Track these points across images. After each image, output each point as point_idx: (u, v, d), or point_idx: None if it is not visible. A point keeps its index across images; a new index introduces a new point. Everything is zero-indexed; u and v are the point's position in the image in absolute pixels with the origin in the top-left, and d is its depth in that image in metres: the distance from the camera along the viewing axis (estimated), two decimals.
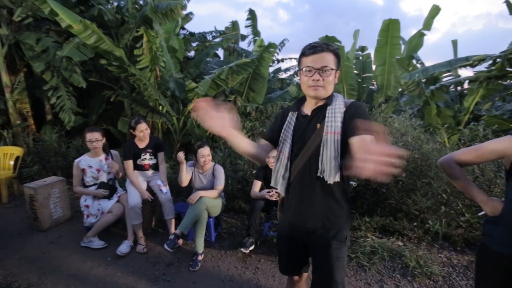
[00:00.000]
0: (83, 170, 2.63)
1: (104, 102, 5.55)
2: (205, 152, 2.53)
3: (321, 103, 1.17)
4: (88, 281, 2.08)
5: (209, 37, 7.62)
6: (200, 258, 2.36)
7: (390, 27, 5.86)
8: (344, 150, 1.08)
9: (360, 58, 7.31)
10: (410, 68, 5.81)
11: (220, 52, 8.52)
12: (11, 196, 3.61)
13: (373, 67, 6.97)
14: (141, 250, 2.49)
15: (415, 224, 2.85)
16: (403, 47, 6.72)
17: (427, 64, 5.68)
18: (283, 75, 10.56)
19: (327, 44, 1.11)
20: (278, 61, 9.71)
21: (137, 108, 4.79)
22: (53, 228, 2.86)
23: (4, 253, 2.42)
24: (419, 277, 2.17)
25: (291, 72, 10.31)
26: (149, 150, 2.78)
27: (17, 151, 3.87)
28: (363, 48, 7.34)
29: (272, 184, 1.26)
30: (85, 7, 5.53)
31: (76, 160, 2.65)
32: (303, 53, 1.12)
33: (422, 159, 2.98)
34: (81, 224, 2.79)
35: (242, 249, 2.41)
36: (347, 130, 1.08)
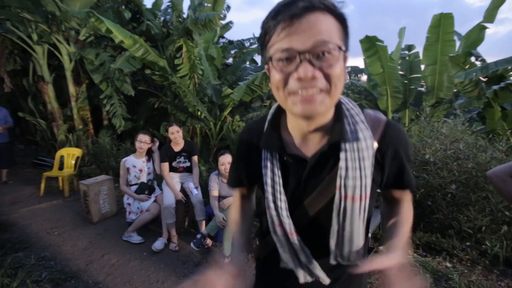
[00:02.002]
0: (127, 169, 2.90)
1: (151, 108, 6.06)
2: (225, 159, 2.56)
3: (321, 127, 0.61)
4: (125, 272, 2.27)
5: (247, 44, 7.82)
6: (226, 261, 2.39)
7: (442, 22, 5.29)
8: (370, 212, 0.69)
9: (407, 57, 6.74)
10: (467, 66, 5.16)
11: (259, 58, 8.69)
12: (71, 191, 4.14)
13: (422, 67, 6.37)
14: (173, 248, 2.63)
15: (468, 243, 2.49)
16: (458, 43, 6.01)
17: (491, 60, 4.98)
18: None
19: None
20: None
21: (178, 113, 5.11)
22: (101, 222, 3.20)
23: (61, 240, 2.78)
24: None
25: None
26: (183, 154, 2.94)
27: (77, 152, 4.43)
28: (410, 47, 6.75)
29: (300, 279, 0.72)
30: (136, 23, 6.15)
31: (123, 160, 2.94)
32: (270, 20, 0.52)
33: (478, 169, 2.60)
34: (124, 219, 3.07)
35: None
36: (388, 180, 0.67)
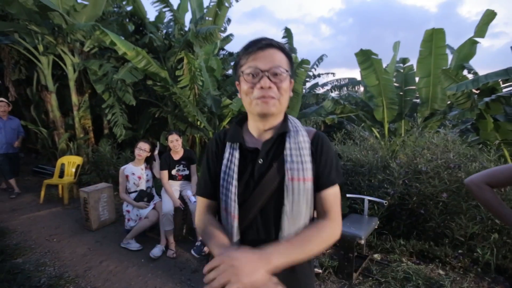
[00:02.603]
0: (127, 177, 2.96)
1: (151, 118, 6.16)
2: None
3: (273, 127, 0.82)
4: (123, 278, 2.30)
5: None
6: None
7: (434, 37, 5.49)
8: (311, 199, 0.80)
9: (402, 70, 6.93)
10: (460, 79, 5.32)
11: None
12: (71, 199, 4.18)
13: (417, 79, 6.55)
14: (171, 255, 2.66)
15: (460, 251, 2.54)
16: (451, 56, 6.21)
17: (485, 73, 5.13)
18: (320, 90, 10.51)
19: (274, 40, 0.79)
20: (315, 76, 9.71)
21: (178, 123, 5.22)
22: (100, 229, 3.23)
23: (60, 246, 2.81)
24: None
25: (328, 87, 10.21)
26: (182, 162, 3.01)
27: (78, 160, 4.49)
28: (404, 60, 6.95)
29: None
30: (139, 35, 6.35)
31: (122, 168, 3.01)
32: (242, 52, 0.78)
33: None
34: (123, 227, 3.11)
35: None
36: (319, 178, 0.79)
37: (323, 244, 0.75)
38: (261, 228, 0.78)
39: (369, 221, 2.52)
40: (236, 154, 0.80)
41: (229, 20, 7.67)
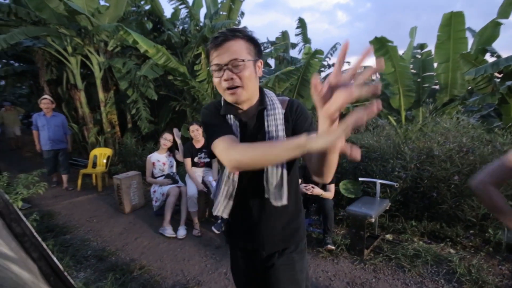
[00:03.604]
0: (153, 164, 3.29)
1: (171, 111, 6.49)
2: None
3: (252, 106, 0.96)
4: (156, 252, 2.61)
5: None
6: None
7: (453, 21, 5.33)
8: (289, 162, 0.96)
9: (419, 56, 6.77)
10: (480, 63, 5.17)
11: (272, 62, 8.98)
12: (103, 186, 4.59)
13: (435, 65, 6.40)
14: (196, 233, 2.94)
15: (471, 232, 2.62)
16: (472, 40, 6.01)
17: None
18: None
19: (234, 30, 0.87)
20: (329, 66, 9.64)
21: (197, 116, 5.49)
22: (131, 212, 3.58)
23: (100, 226, 3.18)
24: (467, 284, 2.03)
25: None
26: (204, 150, 3.26)
27: (108, 151, 4.89)
28: (422, 46, 6.77)
29: (215, 212, 1.02)
30: (157, 33, 6.63)
31: (149, 156, 3.37)
32: (208, 49, 0.89)
33: (481, 161, 2.73)
34: (152, 210, 3.44)
35: None
36: (293, 126, 0.96)
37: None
38: (256, 185, 0.96)
39: (380, 203, 2.66)
40: (237, 122, 0.95)
41: (242, 14, 7.78)
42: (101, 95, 5.98)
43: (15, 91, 10.05)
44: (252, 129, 0.96)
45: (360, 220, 2.39)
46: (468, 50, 5.74)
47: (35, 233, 1.05)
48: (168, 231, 3.02)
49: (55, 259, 1.11)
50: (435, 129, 3.42)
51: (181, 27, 7.05)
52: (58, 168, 4.61)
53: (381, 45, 5.48)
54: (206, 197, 3.31)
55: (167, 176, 3.29)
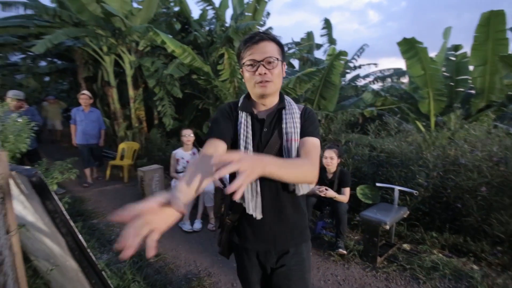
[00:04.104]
0: (177, 160, 3.44)
1: (195, 109, 6.72)
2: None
3: (273, 104, 1.06)
4: (172, 241, 2.76)
5: (285, 49, 8.12)
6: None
7: (492, 21, 4.94)
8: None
9: (453, 58, 6.38)
10: None
11: (296, 62, 8.93)
12: (130, 178, 4.88)
13: (471, 68, 5.98)
14: (211, 227, 3.04)
15: (499, 248, 2.45)
16: None
17: None
18: (361, 82, 10.11)
19: (266, 33, 0.99)
20: (355, 67, 9.37)
21: None
22: None
23: None
24: None
25: (370, 79, 9.77)
26: None
27: (135, 145, 5.20)
28: (457, 47, 6.35)
29: (248, 210, 1.01)
30: (185, 33, 6.89)
31: (174, 152, 3.49)
32: (242, 47, 0.99)
33: None
34: None
35: None
36: (303, 133, 1.04)
37: (303, 174, 0.89)
38: (271, 180, 0.91)
39: (398, 210, 2.57)
40: (249, 120, 1.03)
41: (268, 14, 7.83)
42: (131, 92, 6.35)
43: (57, 87, 10.97)
44: (270, 125, 1.04)
45: (374, 226, 2.33)
46: (510, 52, 5.30)
47: (64, 211, 1.18)
48: (186, 226, 3.16)
49: (80, 236, 1.23)
50: (463, 136, 3.23)
51: (207, 28, 7.27)
52: (91, 162, 4.67)
53: (410, 47, 5.25)
54: (222, 193, 3.39)
55: None
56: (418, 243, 2.70)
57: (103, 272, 1.30)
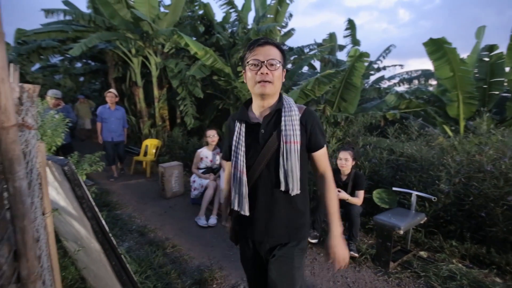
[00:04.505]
0: (201, 158, 3.59)
1: (215, 109, 6.91)
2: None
3: (271, 106, 1.11)
4: (189, 234, 2.89)
5: (306, 50, 8.08)
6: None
7: None
8: (302, 157, 1.08)
9: (487, 59, 5.98)
10: None
11: (318, 64, 8.85)
12: (152, 173, 5.14)
13: (507, 69, 5.60)
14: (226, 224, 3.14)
15: None
16: None
17: None
18: (386, 84, 9.77)
19: (270, 39, 1.08)
20: (379, 69, 9.09)
21: None
22: (172, 198, 3.98)
23: (144, 207, 3.62)
24: None
25: (396, 80, 9.42)
26: None
27: (157, 142, 5.46)
28: (492, 48, 5.94)
29: (232, 206, 1.15)
30: (208, 35, 7.11)
31: (198, 150, 3.65)
32: (247, 49, 1.08)
33: None
34: (189, 199, 3.77)
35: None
36: (310, 143, 1.10)
37: (337, 197, 1.15)
38: (267, 178, 1.09)
39: (414, 216, 2.50)
40: (243, 128, 1.12)
41: (290, 16, 7.86)
42: (155, 92, 6.67)
43: (90, 86, 11.77)
44: (267, 126, 1.09)
45: (387, 231, 2.29)
46: None
47: (90, 198, 1.32)
48: (202, 221, 3.27)
49: (103, 221, 1.37)
50: (495, 141, 3.04)
51: (230, 30, 7.44)
52: (116, 160, 4.86)
53: (437, 47, 5.03)
54: None
55: (208, 169, 3.56)
56: (436, 251, 2.60)
57: (122, 256, 1.43)
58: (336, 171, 2.69)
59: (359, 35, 8.60)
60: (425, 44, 5.06)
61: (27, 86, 1.10)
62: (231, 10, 6.70)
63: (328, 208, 1.10)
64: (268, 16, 6.68)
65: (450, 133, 5.64)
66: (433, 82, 8.86)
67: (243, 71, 1.11)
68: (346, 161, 2.61)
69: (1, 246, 0.83)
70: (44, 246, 1.30)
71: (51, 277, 1.34)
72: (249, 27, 6.84)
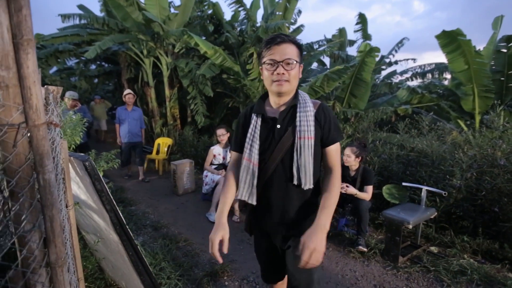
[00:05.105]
0: (214, 156, 3.68)
1: (225, 107, 6.99)
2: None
3: (287, 102, 1.12)
4: (200, 229, 2.98)
5: (316, 46, 8.03)
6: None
7: None
8: (315, 153, 1.09)
9: (505, 50, 5.76)
10: None
11: (327, 60, 8.77)
12: (164, 171, 5.29)
13: None
14: (235, 219, 3.22)
15: None
16: None
17: None
18: (398, 79, 9.57)
19: (287, 36, 1.06)
20: (391, 63, 8.91)
21: None
22: (184, 195, 4.09)
23: (157, 203, 3.74)
24: None
25: (408, 75, 9.21)
26: None
27: (169, 141, 5.60)
28: (509, 38, 5.71)
29: (239, 196, 1.17)
30: (217, 34, 7.19)
31: (212, 147, 3.75)
32: (264, 46, 1.07)
33: None
34: (200, 195, 3.87)
35: None
36: (323, 138, 1.10)
37: (337, 194, 1.08)
38: (282, 172, 1.12)
39: (424, 211, 2.48)
40: (259, 121, 1.14)
41: (299, 12, 7.82)
42: (167, 91, 6.83)
43: (104, 88, 12.15)
44: (283, 122, 1.11)
45: (396, 225, 2.29)
46: None
47: (109, 192, 1.42)
48: (213, 217, 3.36)
49: (120, 213, 1.47)
50: (504, 136, 2.97)
51: (239, 28, 7.49)
52: (132, 160, 4.79)
53: (450, 40, 4.89)
54: None
55: (220, 166, 3.65)
56: (447, 247, 2.58)
57: (138, 247, 1.52)
58: (345, 167, 2.70)
59: (370, 29, 8.44)
60: (437, 36, 4.94)
61: (51, 88, 1.20)
62: (240, 9, 6.75)
63: (322, 201, 1.05)
64: (277, 13, 6.68)
65: (465, 128, 5.49)
66: (448, 75, 8.62)
67: (260, 67, 1.12)
68: (348, 157, 2.63)
69: (33, 233, 0.92)
70: (68, 236, 1.41)
71: (74, 265, 1.44)
72: (258, 25, 6.86)
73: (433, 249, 2.58)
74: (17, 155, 0.86)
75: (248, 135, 1.14)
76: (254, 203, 1.15)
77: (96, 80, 10.48)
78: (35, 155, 0.90)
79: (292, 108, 1.11)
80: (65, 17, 5.91)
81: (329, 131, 1.11)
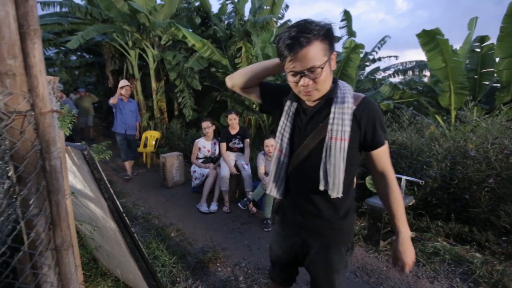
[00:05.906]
0: (199, 148, 3.70)
1: (213, 101, 6.98)
2: (269, 142, 3.07)
3: (323, 94, 0.96)
4: (190, 220, 3.05)
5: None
6: (270, 222, 2.94)
7: None
8: (350, 158, 0.94)
9: (478, 50, 6.12)
10: None
11: None
12: (151, 164, 5.26)
13: (497, 60, 5.75)
14: (225, 210, 3.30)
15: (504, 238, 2.50)
16: None
17: None
18: (381, 75, 9.90)
19: (308, 32, 0.83)
20: (375, 60, 9.19)
21: (236, 106, 5.85)
22: (173, 187, 4.12)
23: (147, 195, 3.76)
24: (483, 285, 2.01)
25: (390, 71, 9.55)
26: (238, 137, 3.59)
27: (157, 134, 5.56)
28: (483, 39, 6.06)
29: (268, 191, 1.10)
30: (205, 27, 7.12)
31: (196, 140, 3.77)
32: (282, 51, 0.88)
33: None
34: (190, 187, 3.91)
35: None
36: (366, 141, 0.96)
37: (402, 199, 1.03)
38: (307, 170, 1.00)
39: (403, 199, 2.67)
40: (293, 109, 1.02)
41: (287, 7, 7.88)
42: (153, 84, 6.72)
43: (85, 79, 11.71)
44: (314, 115, 0.98)
45: (378, 212, 2.46)
46: None
47: (106, 180, 1.46)
48: (204, 208, 3.42)
49: (117, 201, 1.52)
50: (483, 130, 3.22)
51: (226, 22, 7.44)
52: (130, 154, 4.55)
53: (430, 39, 5.15)
54: (237, 179, 3.65)
55: (207, 159, 3.69)
56: (423, 231, 2.79)
57: (134, 234, 1.57)
58: None
59: (355, 26, 8.66)
60: (418, 35, 5.18)
61: (48, 77, 1.21)
62: (227, 2, 6.71)
63: (393, 212, 0.99)
64: (265, 7, 6.70)
65: (442, 122, 5.82)
66: (427, 73, 9.03)
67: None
68: None
69: (40, 217, 0.97)
70: None
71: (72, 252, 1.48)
72: (246, 18, 6.86)
73: (411, 234, 2.78)
74: (24, 141, 0.90)
75: (281, 123, 1.04)
76: (279, 196, 1.07)
77: (77, 72, 10.09)
78: (42, 142, 0.93)
79: (328, 101, 0.96)
80: (44, 4, 5.65)
81: (373, 133, 0.95)
